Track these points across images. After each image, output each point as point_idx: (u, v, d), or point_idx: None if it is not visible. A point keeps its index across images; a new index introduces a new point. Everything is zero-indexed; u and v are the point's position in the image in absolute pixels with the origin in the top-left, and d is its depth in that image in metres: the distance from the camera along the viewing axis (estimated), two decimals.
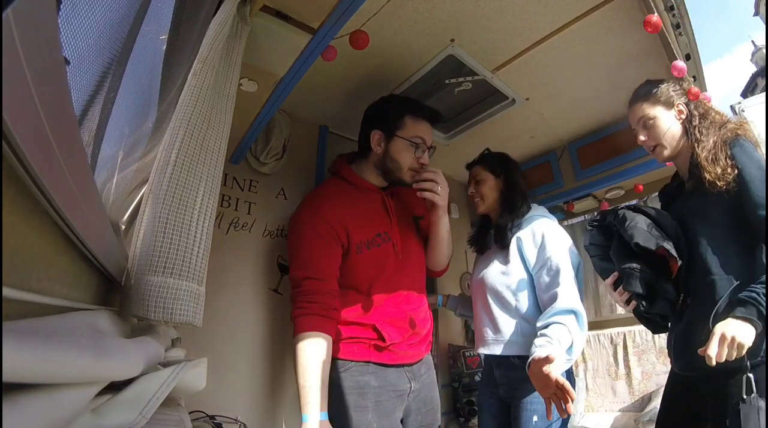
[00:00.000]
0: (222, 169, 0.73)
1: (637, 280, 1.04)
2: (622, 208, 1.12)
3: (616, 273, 1.11)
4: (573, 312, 1.15)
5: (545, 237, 1.29)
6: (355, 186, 1.28)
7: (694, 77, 1.47)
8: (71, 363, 0.29)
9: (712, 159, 1.02)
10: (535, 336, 1.17)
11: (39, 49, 0.24)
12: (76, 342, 0.32)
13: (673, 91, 1.15)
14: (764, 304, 0.86)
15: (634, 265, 1.04)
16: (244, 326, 1.36)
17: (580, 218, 2.61)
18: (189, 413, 0.87)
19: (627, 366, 2.24)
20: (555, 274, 1.22)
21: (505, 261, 1.33)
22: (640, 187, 2.18)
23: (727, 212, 0.99)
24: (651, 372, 2.16)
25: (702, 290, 1.00)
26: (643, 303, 1.05)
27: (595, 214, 2.41)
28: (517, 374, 1.21)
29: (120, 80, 0.62)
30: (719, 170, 0.99)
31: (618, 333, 2.33)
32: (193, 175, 0.65)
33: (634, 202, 2.37)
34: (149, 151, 0.85)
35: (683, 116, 1.13)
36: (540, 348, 1.07)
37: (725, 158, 1.01)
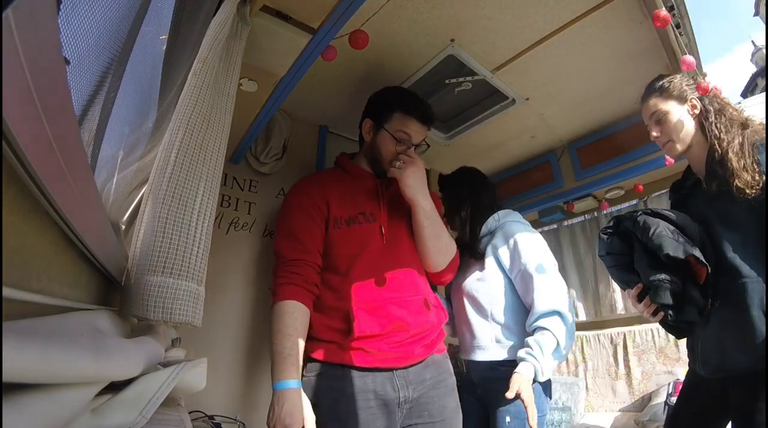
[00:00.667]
0: (222, 168, 0.73)
1: (666, 292, 1.00)
2: (640, 214, 1.07)
3: (640, 285, 1.06)
4: (555, 312, 1.17)
5: (517, 242, 1.31)
6: (349, 172, 1.27)
7: (693, 78, 1.47)
8: (71, 363, 0.29)
9: (743, 165, 0.98)
10: (509, 341, 1.23)
11: (39, 49, 0.24)
12: (76, 342, 0.32)
13: (686, 85, 1.13)
14: None
15: (663, 277, 1.00)
16: (244, 326, 1.36)
17: (580, 218, 2.61)
18: (189, 413, 0.87)
19: (627, 366, 2.24)
20: (530, 278, 1.24)
21: (482, 267, 1.36)
22: (640, 187, 2.18)
23: (755, 215, 0.97)
24: (651, 372, 2.16)
25: (733, 293, 0.97)
26: (671, 313, 1.02)
27: (605, 218, 2.42)
28: (491, 374, 1.23)
29: (120, 80, 0.62)
30: (748, 177, 0.96)
31: (618, 333, 2.33)
32: (192, 174, 0.65)
33: (634, 202, 2.38)
34: (149, 151, 0.85)
35: (697, 111, 1.10)
36: (521, 364, 1.13)
37: (753, 163, 0.97)
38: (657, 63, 1.43)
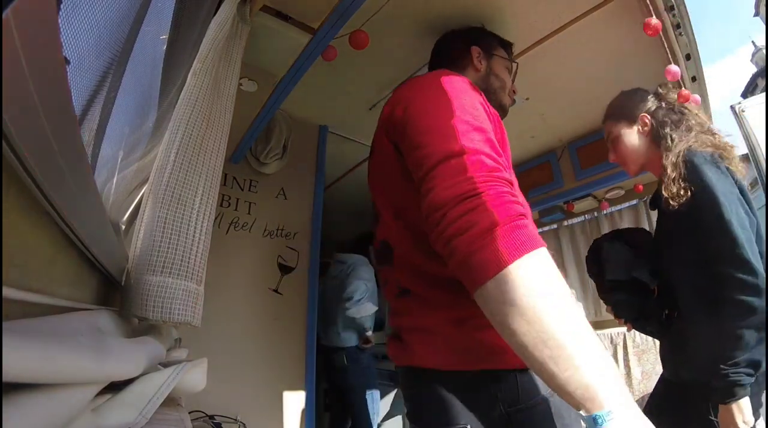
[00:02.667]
0: (221, 168, 0.74)
1: (624, 309, 1.13)
2: (602, 240, 1.18)
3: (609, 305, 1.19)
4: None
5: None
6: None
7: (693, 78, 1.47)
8: (71, 363, 0.29)
9: (674, 177, 0.96)
10: None
11: (39, 49, 0.24)
12: (76, 342, 0.32)
13: (639, 101, 1.11)
14: (741, 378, 0.82)
15: (617, 298, 1.13)
16: (244, 326, 1.36)
17: (580, 218, 2.61)
18: (189, 413, 0.87)
19: (627, 366, 2.24)
20: None
21: None
22: (640, 186, 2.18)
23: (688, 228, 0.94)
24: (651, 372, 2.16)
25: (683, 306, 1.01)
26: (638, 323, 1.17)
27: (605, 218, 2.48)
28: None
29: (120, 80, 0.62)
30: (675, 189, 0.94)
31: (618, 333, 2.33)
32: (192, 174, 0.65)
33: (634, 202, 2.38)
34: (149, 151, 0.85)
35: (647, 128, 1.08)
36: None
37: (680, 179, 0.94)
38: (656, 63, 1.42)
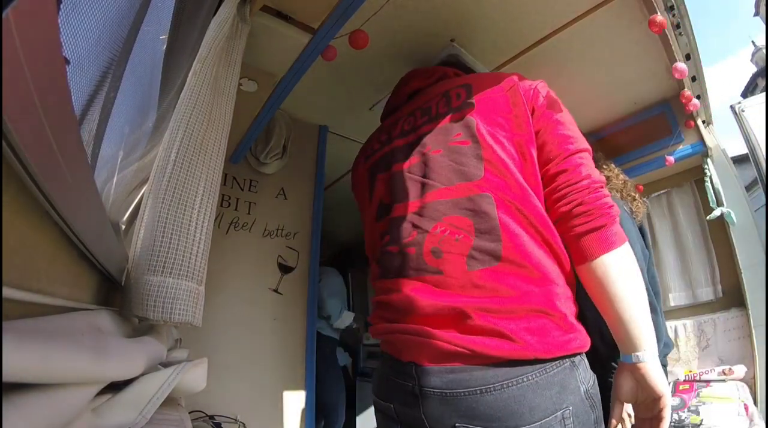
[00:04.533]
0: (221, 168, 0.73)
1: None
2: None
3: None
4: None
5: None
6: None
7: (693, 77, 1.47)
8: (71, 363, 0.29)
9: None
10: None
11: (39, 49, 0.24)
12: (76, 342, 0.32)
13: None
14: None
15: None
16: (244, 326, 1.36)
17: None
18: (189, 413, 0.87)
19: None
20: None
21: None
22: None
23: None
24: None
25: None
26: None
27: None
28: None
29: (120, 80, 0.62)
30: None
31: None
32: (192, 174, 0.65)
33: None
34: (149, 151, 0.85)
35: None
36: None
37: None
38: (657, 63, 1.43)
